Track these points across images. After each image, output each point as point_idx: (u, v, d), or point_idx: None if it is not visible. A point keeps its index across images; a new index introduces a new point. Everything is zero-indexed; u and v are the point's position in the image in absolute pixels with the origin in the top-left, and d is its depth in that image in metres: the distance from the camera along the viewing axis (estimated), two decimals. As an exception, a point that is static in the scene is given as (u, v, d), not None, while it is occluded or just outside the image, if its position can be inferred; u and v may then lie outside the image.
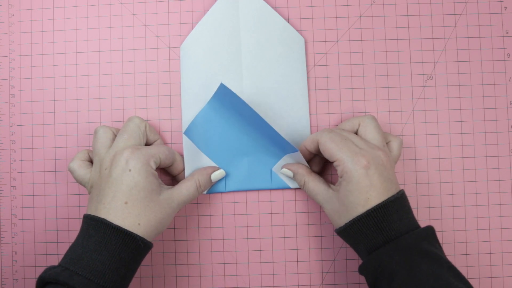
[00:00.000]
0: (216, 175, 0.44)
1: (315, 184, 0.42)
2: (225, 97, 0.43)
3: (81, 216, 0.47)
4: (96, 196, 0.39)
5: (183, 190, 0.42)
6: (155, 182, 0.40)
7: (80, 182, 0.43)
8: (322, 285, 0.46)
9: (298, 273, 0.46)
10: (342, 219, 0.39)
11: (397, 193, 0.38)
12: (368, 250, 0.38)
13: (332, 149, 0.39)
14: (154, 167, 0.40)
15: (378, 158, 0.39)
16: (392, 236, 0.37)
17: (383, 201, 0.37)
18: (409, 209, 0.39)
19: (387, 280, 0.36)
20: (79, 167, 0.42)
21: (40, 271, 0.47)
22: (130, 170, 0.39)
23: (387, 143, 0.42)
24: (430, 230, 0.38)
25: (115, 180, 0.38)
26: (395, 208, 0.38)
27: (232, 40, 0.46)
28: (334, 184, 0.42)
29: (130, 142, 0.41)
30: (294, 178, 0.44)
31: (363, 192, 0.38)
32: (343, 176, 0.39)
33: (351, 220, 0.38)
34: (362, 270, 0.39)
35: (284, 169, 0.45)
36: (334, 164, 0.40)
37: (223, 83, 0.45)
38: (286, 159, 0.45)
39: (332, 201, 0.40)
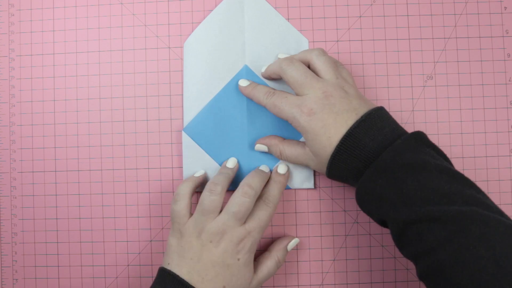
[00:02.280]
0: (292, 244, 0.44)
1: (291, 149, 0.43)
2: (236, 87, 0.45)
3: (81, 216, 0.47)
4: (190, 260, 0.39)
5: (265, 271, 0.42)
6: (252, 270, 0.41)
7: (174, 217, 0.41)
8: (322, 285, 0.46)
9: (298, 273, 0.46)
10: (324, 167, 0.40)
11: (361, 117, 0.37)
12: (356, 180, 0.38)
13: (280, 112, 0.40)
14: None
15: (322, 98, 0.38)
16: (370, 159, 0.36)
17: (344, 133, 0.37)
18: (386, 124, 0.37)
19: (377, 205, 0.36)
20: (185, 208, 0.41)
21: (40, 271, 0.47)
22: (239, 259, 0.39)
23: None
24: (413, 138, 0.36)
25: (222, 263, 0.39)
26: (363, 131, 0.37)
27: (236, 40, 0.46)
28: None
29: (238, 217, 0.39)
30: (269, 151, 0.44)
31: (321, 135, 0.38)
32: (300, 132, 0.40)
33: (328, 166, 0.39)
34: (357, 202, 0.39)
35: (258, 145, 0.45)
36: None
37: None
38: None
39: (311, 157, 0.41)
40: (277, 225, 0.46)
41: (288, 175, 0.44)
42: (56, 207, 0.47)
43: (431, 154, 0.36)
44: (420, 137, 0.36)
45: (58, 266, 0.47)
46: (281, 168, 0.44)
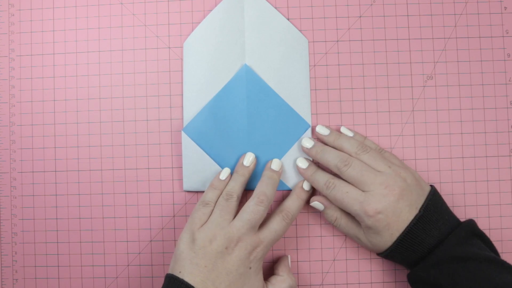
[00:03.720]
0: (289, 262, 0.45)
1: (347, 223, 0.43)
2: (240, 81, 0.45)
3: (81, 216, 0.47)
4: (204, 268, 0.38)
5: None
6: (262, 280, 0.41)
7: (193, 220, 0.41)
8: (322, 285, 0.46)
9: (298, 273, 0.46)
10: (375, 250, 0.42)
11: (419, 211, 0.39)
12: (409, 266, 0.41)
13: (341, 206, 0.42)
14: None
15: (385, 195, 0.39)
16: (425, 253, 0.39)
17: (403, 231, 0.39)
18: (440, 216, 0.40)
19: None
20: (209, 214, 0.41)
21: (40, 271, 0.47)
22: (250, 268, 0.39)
23: None
24: (463, 230, 0.39)
25: (236, 271, 0.38)
26: (420, 228, 0.39)
27: (236, 39, 0.46)
28: None
29: (252, 224, 0.40)
30: (324, 211, 0.44)
31: (384, 232, 0.40)
32: (362, 225, 0.41)
33: (383, 253, 0.41)
34: (409, 280, 0.41)
35: (316, 202, 0.44)
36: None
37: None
38: (286, 159, 0.45)
39: (363, 238, 0.42)
40: (277, 225, 0.46)
41: (310, 192, 0.45)
42: (56, 207, 0.47)
43: (479, 245, 0.39)
44: (469, 228, 0.39)
45: (58, 266, 0.47)
46: (307, 185, 0.44)
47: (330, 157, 0.43)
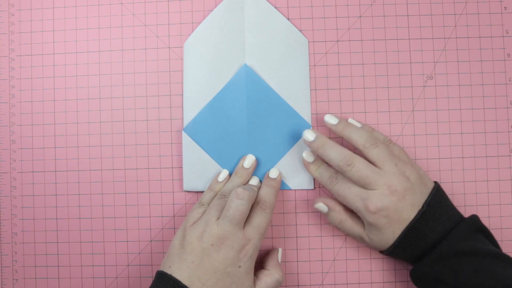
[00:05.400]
0: (280, 256, 0.44)
1: (352, 225, 0.43)
2: (240, 81, 0.45)
3: (81, 216, 0.47)
4: (191, 264, 0.38)
5: (264, 286, 0.41)
6: (252, 279, 0.40)
7: (188, 217, 0.41)
8: (322, 285, 0.46)
9: (298, 273, 0.46)
10: (379, 248, 0.42)
11: (422, 207, 0.39)
12: (412, 263, 0.41)
13: (344, 201, 0.42)
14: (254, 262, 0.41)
15: (387, 195, 0.39)
16: (429, 248, 0.39)
17: (406, 227, 0.39)
18: (443, 211, 0.40)
19: (436, 285, 0.38)
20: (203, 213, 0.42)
21: (40, 271, 0.47)
22: (240, 267, 0.39)
23: None
24: (466, 225, 0.39)
25: (223, 270, 0.38)
26: (423, 223, 0.39)
27: (236, 39, 0.46)
28: None
29: (235, 222, 0.39)
30: (328, 214, 0.44)
31: (385, 230, 0.40)
32: (364, 222, 0.41)
33: (386, 250, 0.41)
34: (413, 280, 0.41)
35: (320, 204, 0.44)
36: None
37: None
38: (286, 159, 0.45)
39: (366, 237, 0.42)
40: (277, 225, 0.46)
41: (280, 179, 0.45)
42: (56, 207, 0.47)
43: (481, 240, 0.39)
44: (472, 223, 0.39)
45: (58, 266, 0.47)
46: (273, 173, 0.44)
47: (332, 155, 0.41)
